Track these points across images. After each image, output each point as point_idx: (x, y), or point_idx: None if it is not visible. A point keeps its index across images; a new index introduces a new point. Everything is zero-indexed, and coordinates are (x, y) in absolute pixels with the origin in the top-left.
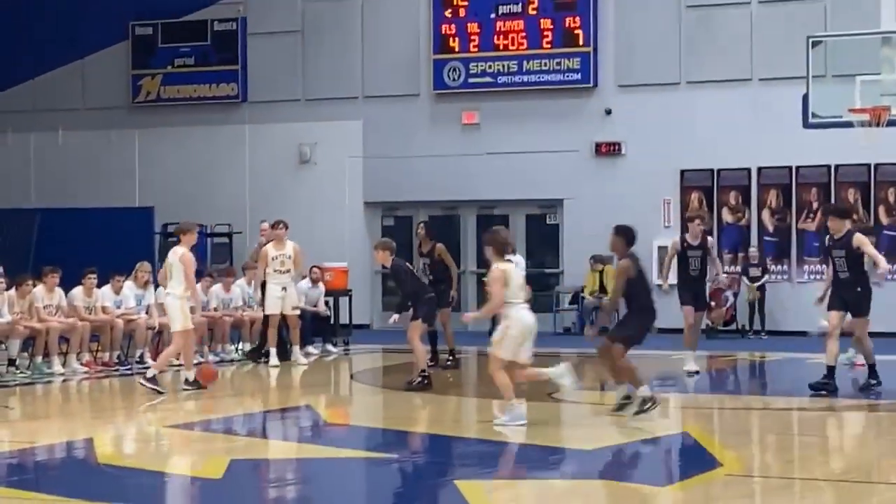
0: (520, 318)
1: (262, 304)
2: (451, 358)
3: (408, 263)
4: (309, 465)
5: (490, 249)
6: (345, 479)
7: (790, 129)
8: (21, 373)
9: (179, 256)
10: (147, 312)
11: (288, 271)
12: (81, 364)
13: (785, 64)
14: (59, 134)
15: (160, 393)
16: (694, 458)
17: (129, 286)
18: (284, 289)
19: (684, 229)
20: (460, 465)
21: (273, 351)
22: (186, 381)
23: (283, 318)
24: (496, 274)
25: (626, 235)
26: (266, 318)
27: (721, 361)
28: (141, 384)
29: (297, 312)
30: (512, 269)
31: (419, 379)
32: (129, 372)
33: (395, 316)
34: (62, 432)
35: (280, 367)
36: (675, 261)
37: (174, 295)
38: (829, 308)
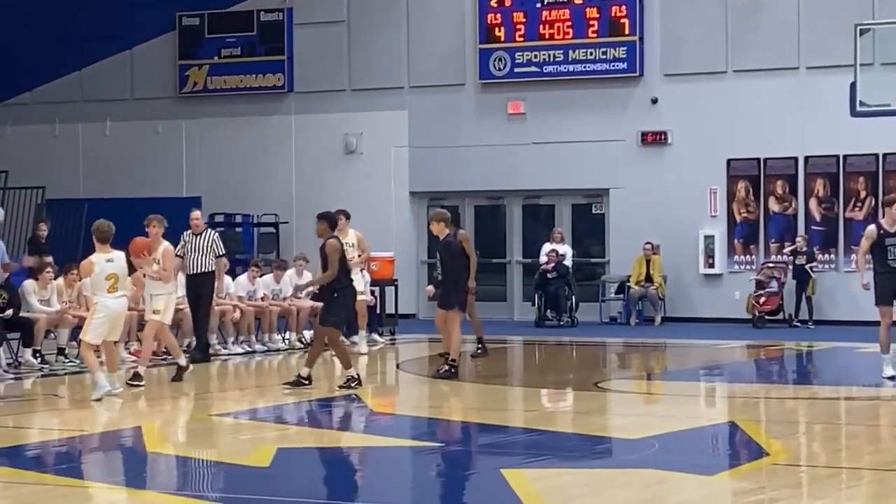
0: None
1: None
2: (480, 347)
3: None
4: (355, 454)
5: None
6: (391, 468)
7: (838, 117)
8: (70, 362)
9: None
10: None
11: (351, 259)
12: (129, 353)
13: (832, 52)
14: (106, 124)
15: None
16: (740, 448)
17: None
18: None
19: (878, 215)
20: (506, 454)
21: (363, 335)
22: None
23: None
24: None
25: (328, 220)
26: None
27: (768, 351)
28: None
29: (365, 299)
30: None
31: (447, 367)
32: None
33: (431, 287)
34: (110, 421)
35: (365, 354)
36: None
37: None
38: (880, 303)
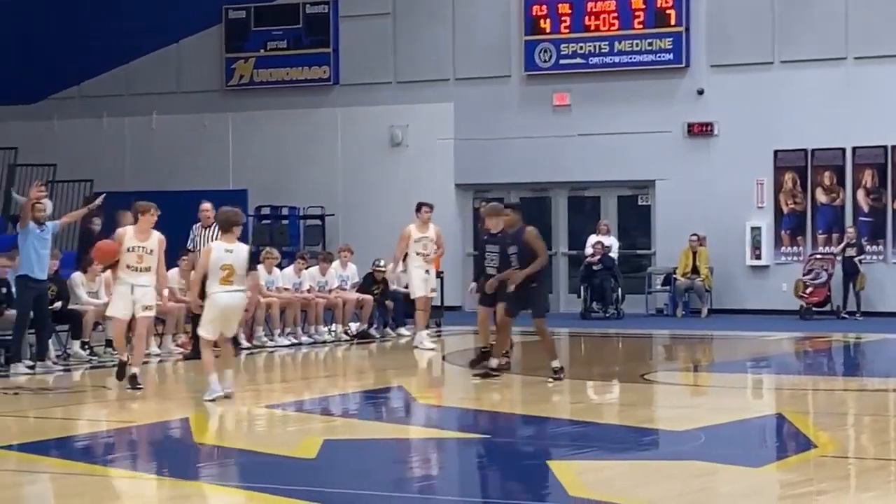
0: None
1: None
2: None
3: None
4: (401, 446)
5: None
6: (436, 460)
7: (886, 107)
8: (117, 353)
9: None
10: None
11: (429, 254)
12: (177, 345)
13: (880, 42)
14: (153, 118)
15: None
16: (788, 440)
17: None
18: (428, 271)
19: None
20: (552, 446)
21: (422, 334)
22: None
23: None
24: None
25: (519, 210)
26: (413, 300)
27: (816, 342)
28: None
29: (433, 295)
30: None
31: (489, 365)
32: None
33: (475, 285)
34: (158, 412)
35: (431, 350)
36: None
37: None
38: None
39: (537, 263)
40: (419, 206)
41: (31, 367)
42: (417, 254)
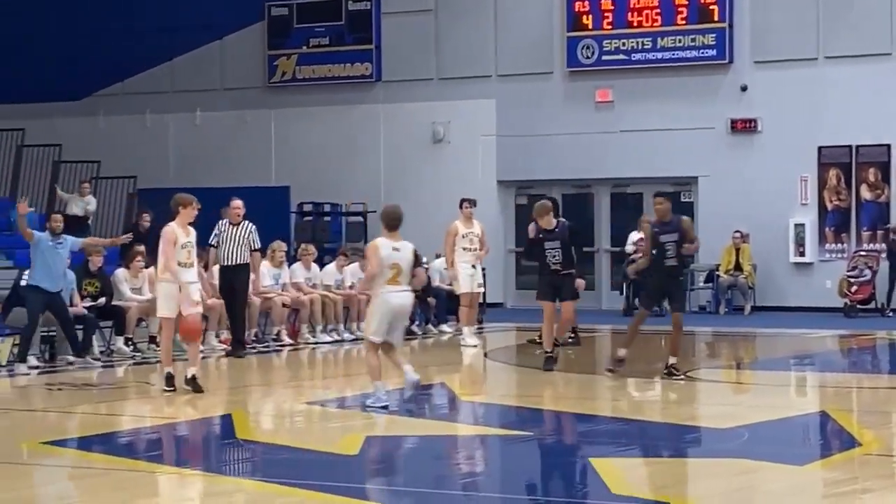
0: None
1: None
2: (572, 335)
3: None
4: (443, 443)
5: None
6: (479, 457)
7: None
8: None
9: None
10: (283, 290)
11: (475, 249)
12: (220, 341)
13: None
14: (196, 115)
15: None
16: (832, 438)
17: (265, 265)
18: (474, 266)
19: None
20: (595, 443)
21: (468, 329)
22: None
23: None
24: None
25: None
26: (459, 296)
27: (860, 340)
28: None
29: (481, 290)
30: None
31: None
32: (266, 349)
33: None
34: (201, 408)
35: (474, 347)
36: None
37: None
38: None
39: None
40: (461, 203)
41: (35, 367)
42: (464, 249)
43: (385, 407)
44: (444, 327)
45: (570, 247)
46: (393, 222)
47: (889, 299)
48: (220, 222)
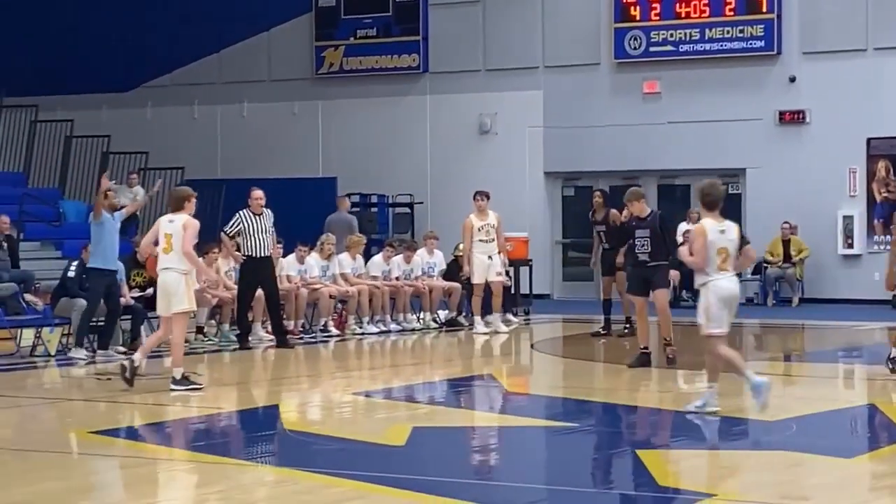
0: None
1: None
2: (627, 325)
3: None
4: (490, 434)
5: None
6: (525, 448)
7: None
8: (209, 340)
9: (183, 224)
10: (333, 282)
11: (492, 240)
12: (266, 332)
13: None
14: (244, 106)
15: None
16: (880, 430)
17: (313, 256)
18: (490, 257)
19: None
20: (641, 435)
21: (478, 318)
22: (174, 379)
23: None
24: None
25: None
26: (472, 286)
27: None
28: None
29: (502, 279)
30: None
31: (670, 352)
32: (313, 340)
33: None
34: (248, 399)
35: (486, 335)
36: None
37: (178, 270)
38: None
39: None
40: (475, 196)
41: (93, 354)
42: (480, 241)
43: (714, 413)
44: (489, 318)
45: (662, 237)
46: (713, 201)
47: None
48: (241, 212)
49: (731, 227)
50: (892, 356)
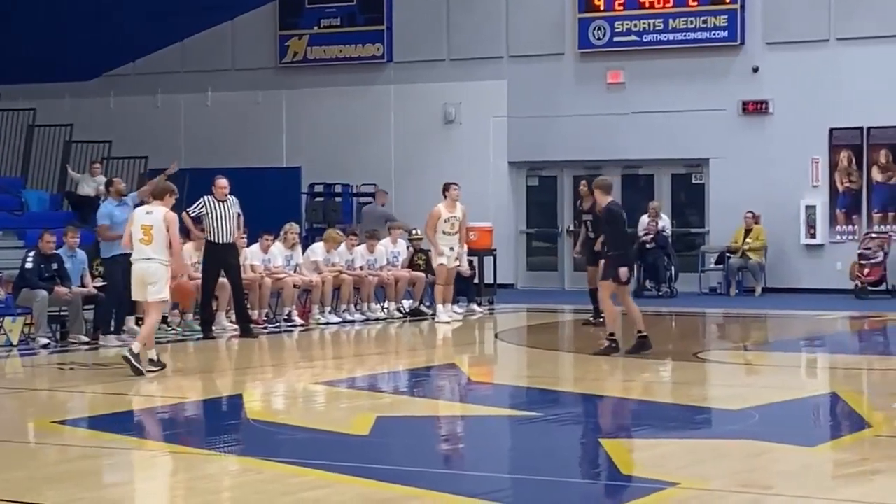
0: None
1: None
2: (601, 317)
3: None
4: (454, 423)
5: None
6: (489, 438)
7: None
8: (171, 330)
9: (164, 217)
10: (295, 272)
11: (457, 233)
12: (230, 322)
13: None
14: (207, 95)
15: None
16: (842, 419)
17: (277, 246)
18: (452, 248)
19: None
20: (604, 424)
21: (440, 307)
22: (151, 361)
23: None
24: None
25: None
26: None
27: (871, 322)
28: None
29: (465, 269)
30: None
31: (608, 343)
32: (277, 330)
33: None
34: (212, 388)
35: (449, 324)
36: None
37: (161, 262)
38: None
39: None
40: (447, 186)
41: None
42: (444, 233)
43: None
44: (455, 308)
45: (611, 230)
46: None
47: None
48: (206, 198)
49: None
50: None
